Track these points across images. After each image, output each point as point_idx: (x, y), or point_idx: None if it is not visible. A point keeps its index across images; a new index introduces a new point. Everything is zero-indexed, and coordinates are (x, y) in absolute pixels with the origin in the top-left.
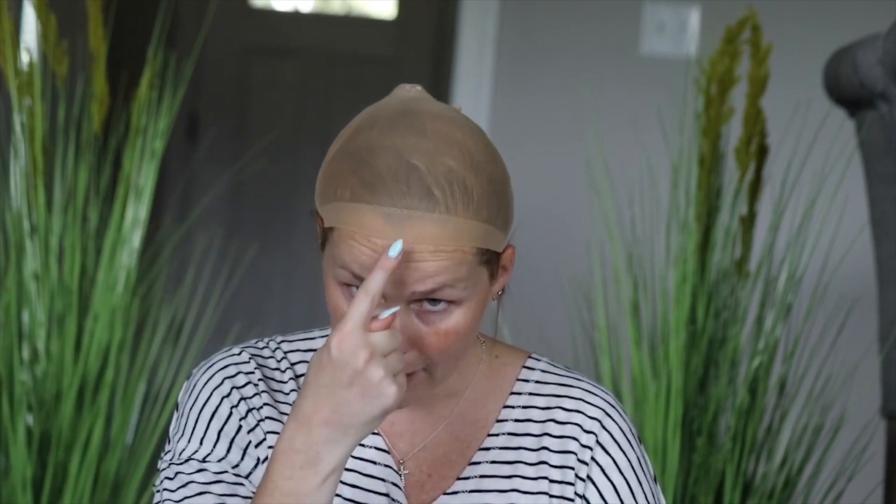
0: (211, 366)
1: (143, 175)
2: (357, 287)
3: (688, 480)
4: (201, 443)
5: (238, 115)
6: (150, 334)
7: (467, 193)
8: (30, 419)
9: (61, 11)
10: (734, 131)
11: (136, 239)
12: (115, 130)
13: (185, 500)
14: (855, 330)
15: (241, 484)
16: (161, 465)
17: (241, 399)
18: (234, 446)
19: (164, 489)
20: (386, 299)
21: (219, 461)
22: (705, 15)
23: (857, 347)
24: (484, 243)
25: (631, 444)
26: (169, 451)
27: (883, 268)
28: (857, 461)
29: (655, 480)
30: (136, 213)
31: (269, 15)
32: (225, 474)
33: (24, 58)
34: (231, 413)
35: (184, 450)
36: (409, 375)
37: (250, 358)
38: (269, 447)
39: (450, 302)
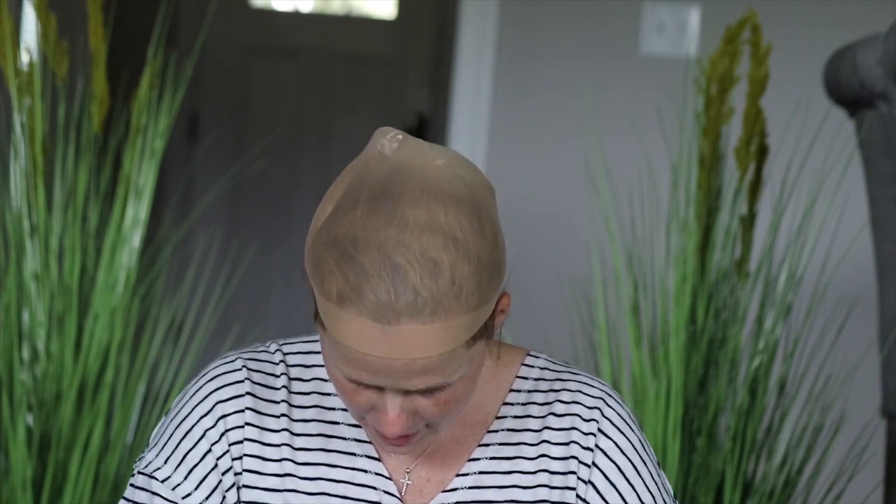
0: (205, 379)
1: (143, 175)
2: (357, 384)
3: (688, 480)
4: (175, 469)
5: (238, 115)
6: (150, 334)
7: (455, 286)
8: (30, 419)
9: (61, 11)
10: (734, 131)
11: (136, 239)
12: (115, 130)
13: None
14: (855, 330)
15: None
16: (134, 467)
17: (224, 433)
18: (202, 485)
19: (124, 498)
20: (383, 390)
21: (178, 492)
22: (705, 15)
23: (857, 347)
24: (476, 329)
25: (632, 428)
26: (143, 455)
27: (883, 268)
28: (857, 461)
29: (659, 465)
30: (136, 213)
31: (269, 15)
32: None
33: (24, 58)
34: (210, 450)
35: (151, 462)
36: (411, 436)
37: (242, 366)
38: (244, 485)
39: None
